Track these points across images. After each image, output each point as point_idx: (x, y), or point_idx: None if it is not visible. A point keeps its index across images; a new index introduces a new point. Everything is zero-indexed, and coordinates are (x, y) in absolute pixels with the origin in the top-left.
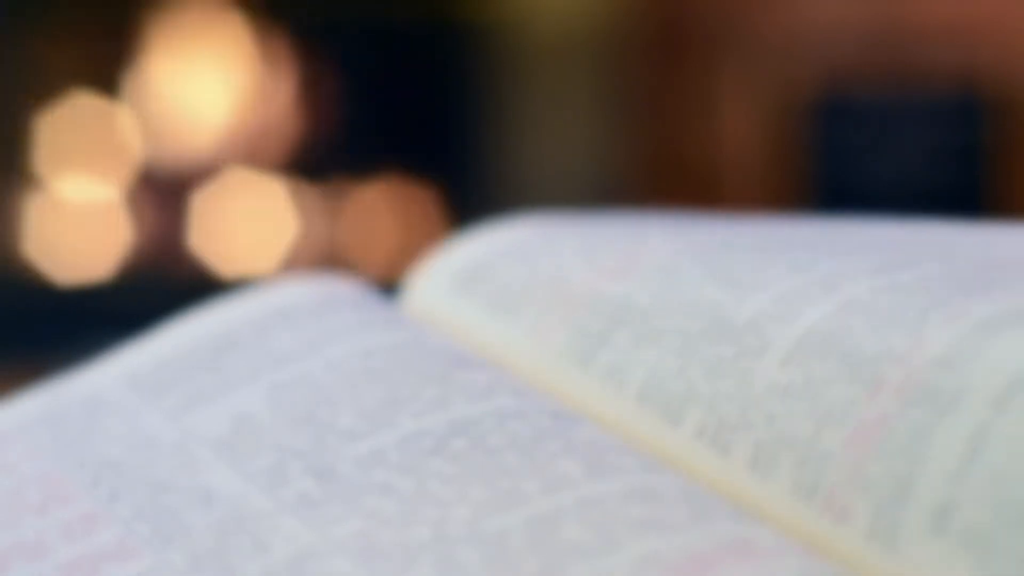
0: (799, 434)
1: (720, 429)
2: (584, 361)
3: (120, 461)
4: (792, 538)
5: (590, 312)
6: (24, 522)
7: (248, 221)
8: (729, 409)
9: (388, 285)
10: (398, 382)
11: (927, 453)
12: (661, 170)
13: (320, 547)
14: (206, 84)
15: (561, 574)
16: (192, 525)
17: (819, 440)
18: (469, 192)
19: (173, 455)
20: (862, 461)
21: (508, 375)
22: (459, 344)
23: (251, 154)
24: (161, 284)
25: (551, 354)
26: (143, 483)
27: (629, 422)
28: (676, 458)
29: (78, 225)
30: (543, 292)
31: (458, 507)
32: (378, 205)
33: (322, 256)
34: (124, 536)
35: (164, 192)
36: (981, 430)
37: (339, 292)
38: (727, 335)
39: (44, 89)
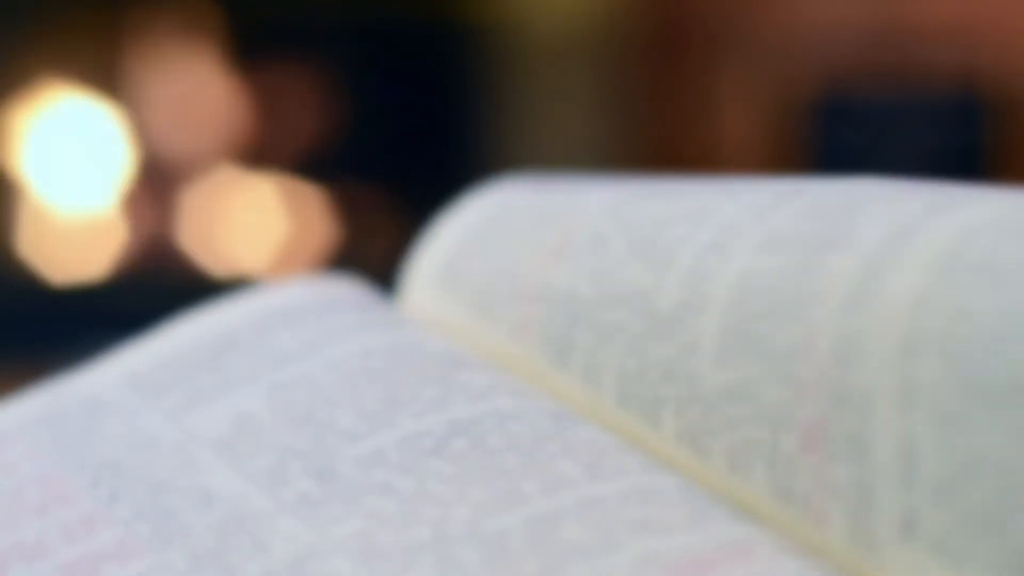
0: (760, 438)
1: (694, 433)
2: (561, 364)
3: (120, 461)
4: (787, 539)
5: (548, 307)
6: (24, 522)
7: (250, 223)
8: (694, 413)
9: (387, 285)
10: (398, 382)
11: (873, 459)
12: (661, 170)
13: (320, 547)
14: (206, 85)
15: (561, 574)
16: (192, 525)
17: (778, 444)
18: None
19: (173, 455)
20: (822, 466)
21: (507, 376)
22: (456, 343)
23: (252, 156)
24: (156, 284)
25: (533, 357)
26: (143, 483)
27: (616, 425)
28: (667, 460)
29: (74, 225)
30: (506, 286)
31: (458, 507)
32: (377, 205)
33: (321, 256)
34: (124, 536)
35: (157, 192)
36: (907, 435)
37: (339, 292)
38: (661, 329)
39: (35, 89)
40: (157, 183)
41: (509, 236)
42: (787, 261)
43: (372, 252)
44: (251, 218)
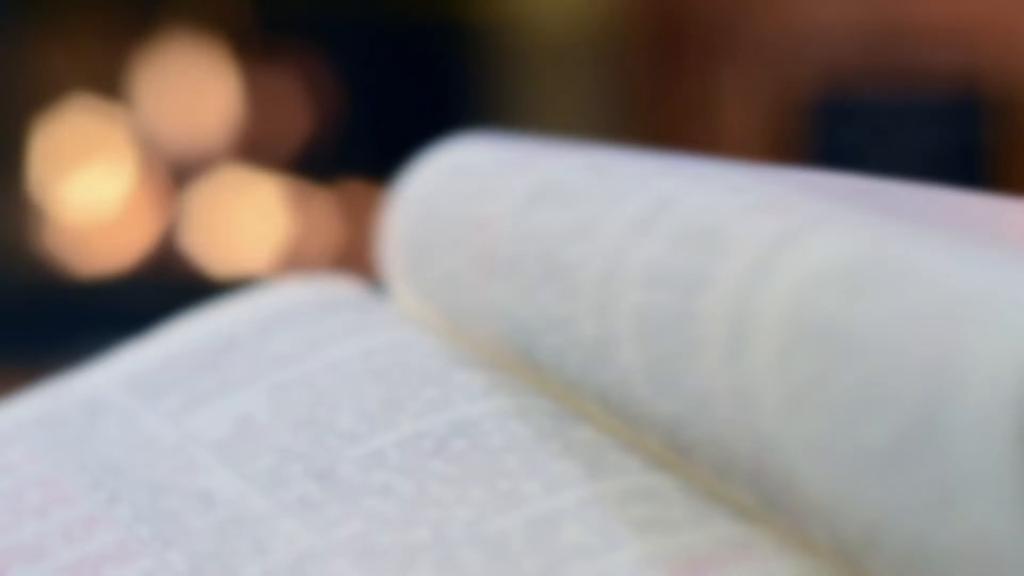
0: (723, 461)
1: (673, 447)
2: (543, 374)
3: (120, 463)
4: (786, 538)
5: (499, 325)
6: (24, 524)
7: (250, 223)
8: (660, 434)
9: (387, 285)
10: (398, 383)
11: (808, 502)
12: None
13: (320, 549)
14: (207, 86)
15: (561, 574)
16: (192, 527)
17: (738, 469)
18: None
19: (173, 457)
20: (782, 490)
21: (507, 375)
22: (451, 343)
23: (249, 154)
24: (158, 284)
25: (521, 365)
26: (143, 485)
27: (613, 429)
28: (665, 462)
29: (77, 225)
30: (457, 298)
31: (458, 508)
32: (377, 205)
33: (322, 257)
34: (124, 538)
35: (166, 193)
36: (824, 487)
37: (339, 293)
38: (595, 358)
39: (42, 91)
40: (161, 183)
41: (444, 243)
42: (668, 301)
43: (372, 252)
44: (255, 218)
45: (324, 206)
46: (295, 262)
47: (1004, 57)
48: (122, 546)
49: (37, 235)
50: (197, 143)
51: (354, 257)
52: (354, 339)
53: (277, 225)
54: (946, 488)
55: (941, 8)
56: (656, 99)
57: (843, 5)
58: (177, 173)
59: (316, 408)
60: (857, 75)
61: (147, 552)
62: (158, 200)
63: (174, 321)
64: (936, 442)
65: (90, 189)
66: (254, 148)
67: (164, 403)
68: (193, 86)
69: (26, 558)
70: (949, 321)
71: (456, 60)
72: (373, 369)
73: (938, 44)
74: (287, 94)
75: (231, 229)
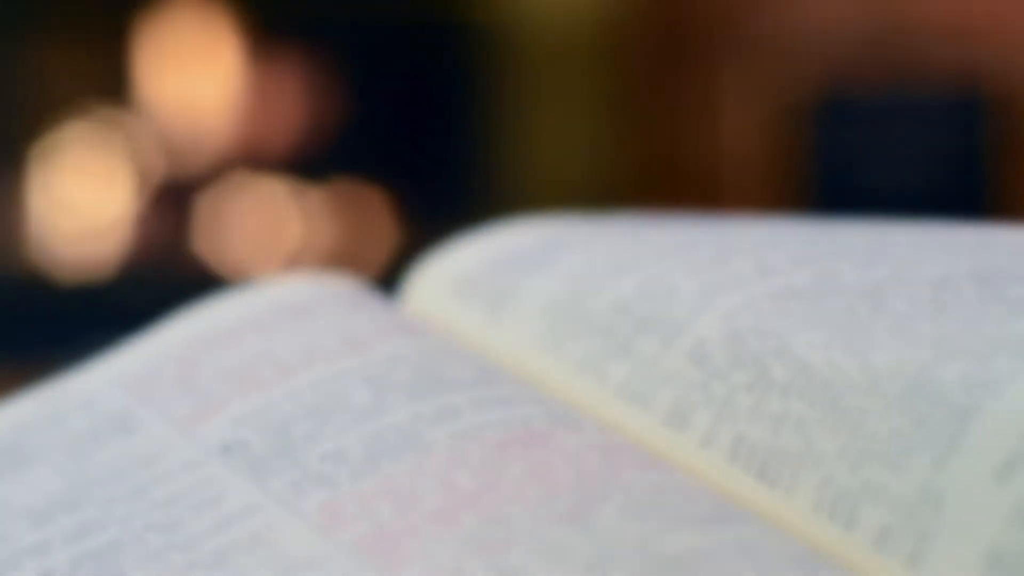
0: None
1: (732, 440)
2: (601, 374)
3: (122, 466)
4: (801, 538)
5: (609, 318)
6: (26, 527)
7: (252, 223)
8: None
9: (387, 286)
10: (406, 386)
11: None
12: (661, 171)
13: (326, 552)
14: (208, 87)
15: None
16: (196, 531)
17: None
18: (469, 193)
19: (176, 460)
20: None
21: (521, 382)
22: (461, 347)
23: (254, 156)
24: (165, 286)
25: (565, 363)
26: (145, 488)
27: (655, 439)
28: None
29: (83, 227)
30: (548, 299)
31: (473, 515)
32: (377, 206)
33: (322, 257)
34: (127, 542)
35: (169, 194)
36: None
37: (343, 292)
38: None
39: (50, 93)
40: (168, 186)
41: (553, 262)
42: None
43: (374, 252)
44: (255, 218)
45: (324, 206)
46: (295, 262)
47: (1005, 56)
48: (125, 550)
49: (41, 236)
50: (198, 144)
51: (353, 257)
52: (363, 342)
53: (277, 225)
54: None
55: (941, 7)
56: (656, 99)
57: (843, 5)
58: (178, 174)
59: (321, 411)
60: (857, 75)
61: (150, 556)
62: (166, 203)
63: (175, 319)
64: None
65: (97, 191)
66: (255, 149)
67: (167, 404)
68: (193, 87)
69: (29, 561)
70: None
71: (456, 60)
72: (380, 372)
73: (938, 43)
74: (287, 94)
75: (232, 229)
